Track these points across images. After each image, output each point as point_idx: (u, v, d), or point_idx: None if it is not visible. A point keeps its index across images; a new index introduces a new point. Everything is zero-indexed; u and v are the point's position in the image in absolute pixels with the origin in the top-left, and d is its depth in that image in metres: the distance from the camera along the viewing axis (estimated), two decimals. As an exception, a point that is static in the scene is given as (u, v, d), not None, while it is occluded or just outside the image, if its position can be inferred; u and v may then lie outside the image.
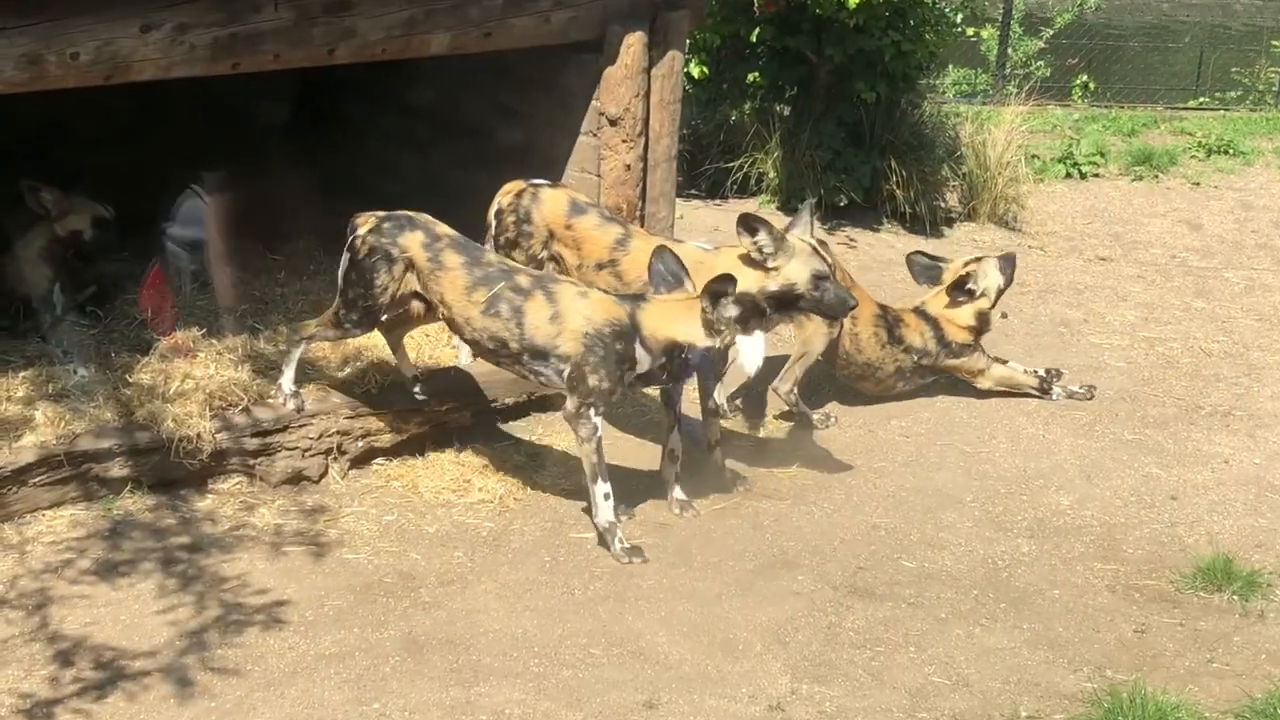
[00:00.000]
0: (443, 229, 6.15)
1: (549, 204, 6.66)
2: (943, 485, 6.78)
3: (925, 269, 7.89)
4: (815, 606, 5.68)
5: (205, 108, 8.08)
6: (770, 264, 6.09)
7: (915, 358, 7.59)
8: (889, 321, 7.57)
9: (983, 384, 7.71)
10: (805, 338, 7.25)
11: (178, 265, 7.55)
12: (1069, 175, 11.97)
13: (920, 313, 7.72)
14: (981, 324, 7.72)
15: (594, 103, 7.11)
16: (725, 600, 5.70)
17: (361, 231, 6.15)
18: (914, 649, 5.43)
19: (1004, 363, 7.80)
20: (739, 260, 6.13)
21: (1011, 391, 7.73)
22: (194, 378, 6.39)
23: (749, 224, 6.08)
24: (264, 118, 8.61)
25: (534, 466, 6.71)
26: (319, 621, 5.41)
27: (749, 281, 6.05)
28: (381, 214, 6.19)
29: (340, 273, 6.24)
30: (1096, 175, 11.97)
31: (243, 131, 8.41)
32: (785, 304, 6.18)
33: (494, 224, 6.74)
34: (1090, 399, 7.71)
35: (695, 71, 10.52)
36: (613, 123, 7.04)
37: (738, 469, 6.75)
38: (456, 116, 7.98)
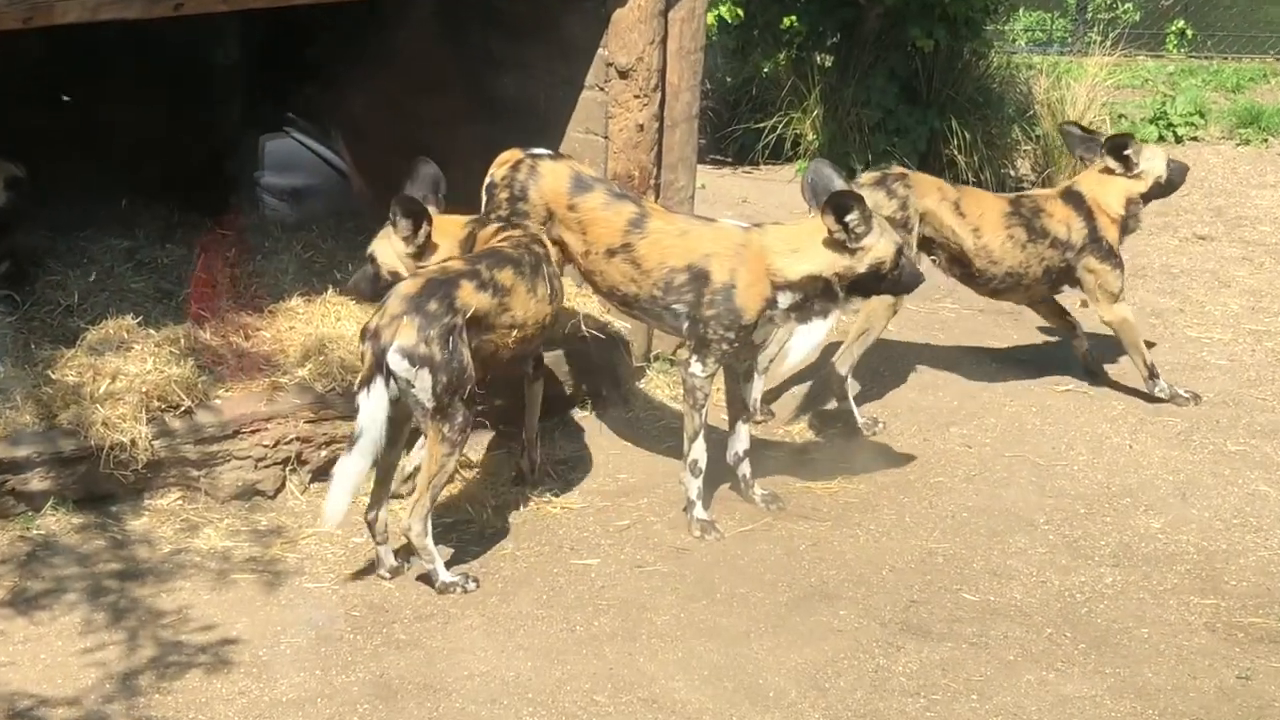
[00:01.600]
0: None
1: (549, 179, 6.60)
2: (1011, 505, 6.76)
3: (1082, 141, 7.88)
4: (860, 646, 5.65)
5: (146, 56, 8.11)
6: (857, 244, 6.10)
7: (1061, 252, 7.59)
8: (1025, 215, 7.56)
9: (1106, 314, 7.71)
10: (869, 313, 7.28)
11: (278, 219, 7.65)
12: (1162, 138, 11.95)
13: (1071, 195, 7.70)
14: (1129, 216, 7.72)
15: (601, 51, 7.11)
16: (753, 639, 5.68)
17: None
18: (976, 697, 5.41)
19: None
20: (815, 240, 6.15)
21: (1110, 356, 7.83)
22: (127, 374, 6.37)
23: (843, 203, 6.08)
24: (216, 68, 8.66)
25: (529, 481, 6.71)
26: (274, 662, 5.39)
27: (823, 263, 6.10)
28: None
29: None
30: (1194, 139, 11.95)
31: (191, 83, 8.44)
32: (865, 287, 6.21)
33: (485, 199, 6.72)
34: (1194, 405, 7.68)
35: (726, 13, 10.50)
36: (623, 75, 7.04)
37: (769, 484, 6.72)
38: (440, 68, 7.97)
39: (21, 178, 7.10)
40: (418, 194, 6.34)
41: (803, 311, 6.18)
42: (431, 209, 6.30)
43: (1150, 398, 7.68)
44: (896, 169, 7.54)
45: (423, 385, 5.70)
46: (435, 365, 5.69)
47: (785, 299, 6.14)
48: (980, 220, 7.40)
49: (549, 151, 6.79)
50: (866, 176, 7.38)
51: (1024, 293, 7.71)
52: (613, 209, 6.48)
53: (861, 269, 6.14)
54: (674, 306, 6.29)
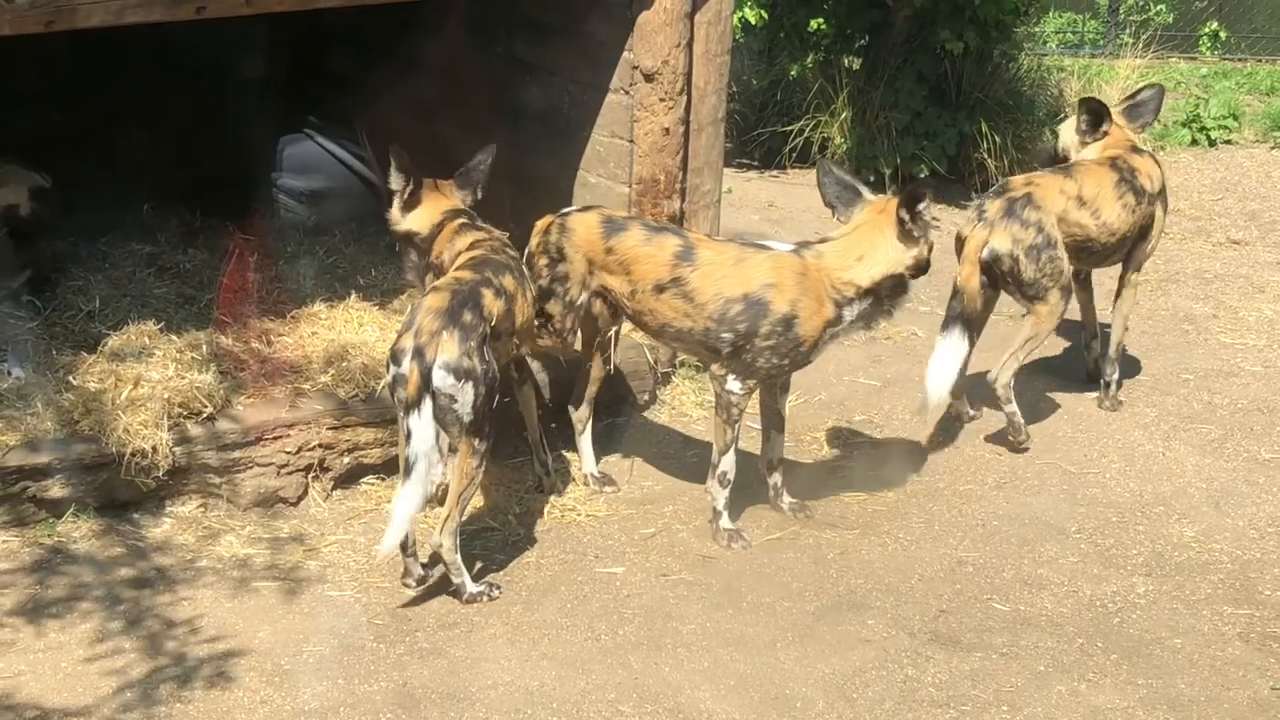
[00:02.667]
0: None
1: (580, 230, 6.48)
2: (1042, 513, 6.72)
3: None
4: (888, 657, 5.63)
5: (165, 60, 8.12)
6: (925, 232, 6.21)
7: (1149, 205, 7.55)
8: (1126, 177, 7.45)
9: (1148, 253, 7.82)
10: (1041, 316, 7.22)
11: (294, 221, 7.64)
12: (1195, 142, 11.90)
13: (1137, 150, 7.61)
14: None
15: (626, 54, 7.08)
16: (780, 649, 5.66)
17: None
18: (1007, 708, 5.38)
19: None
20: (878, 239, 6.18)
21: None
22: (148, 380, 6.37)
23: (918, 193, 6.17)
24: (240, 71, 8.67)
25: (544, 486, 6.70)
26: (296, 672, 5.38)
27: (896, 259, 6.20)
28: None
29: None
30: (1228, 142, 11.90)
31: (211, 87, 8.46)
32: (901, 285, 6.26)
33: (529, 272, 6.67)
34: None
35: (752, 16, 10.47)
36: (648, 78, 7.01)
37: (797, 493, 6.70)
38: (465, 72, 7.96)
39: (47, 187, 7.11)
40: (469, 170, 6.49)
41: (871, 317, 6.20)
42: (455, 190, 6.47)
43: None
44: (1018, 186, 7.25)
45: (465, 399, 5.67)
46: (476, 378, 5.67)
47: (853, 311, 6.14)
48: (1098, 200, 7.30)
49: (576, 207, 6.75)
50: (992, 207, 7.11)
51: (1122, 253, 7.67)
52: (654, 243, 6.34)
53: (927, 255, 6.18)
54: (724, 335, 6.20)
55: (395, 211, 6.41)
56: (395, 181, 6.36)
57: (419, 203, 6.37)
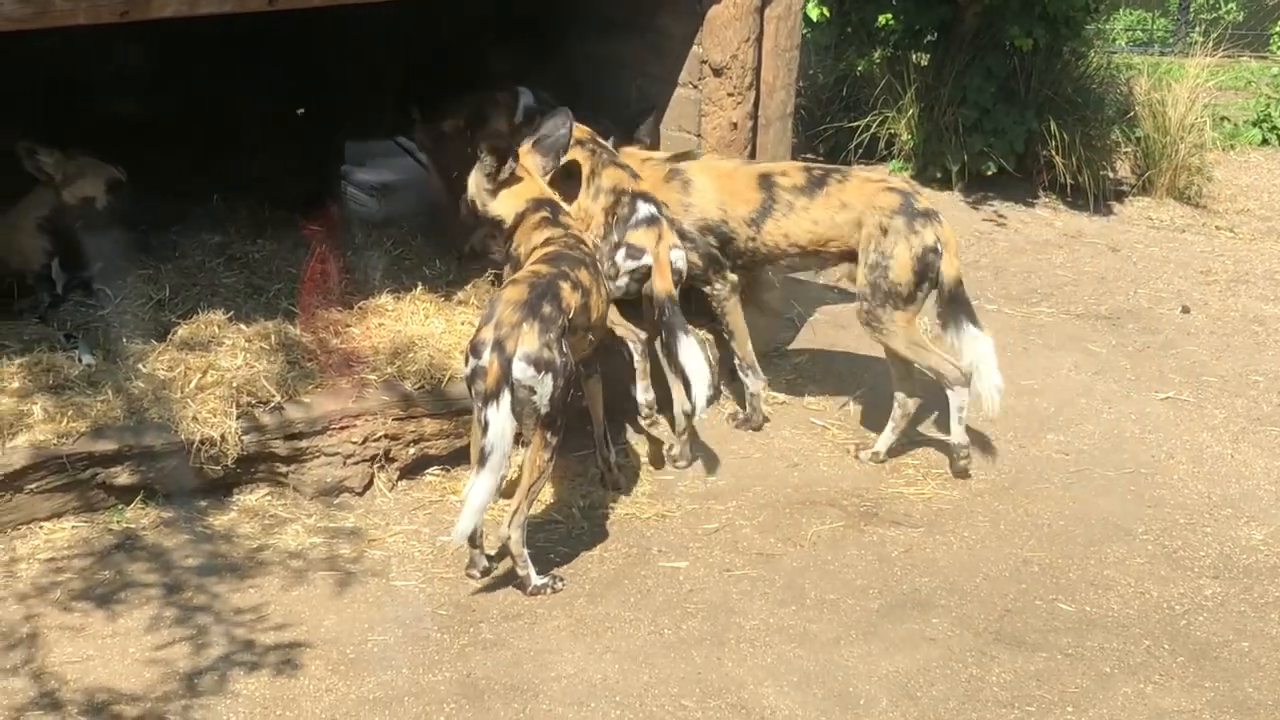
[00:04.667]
0: None
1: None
2: (1109, 513, 6.69)
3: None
4: (953, 655, 5.62)
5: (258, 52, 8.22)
6: None
7: None
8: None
9: None
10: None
11: (363, 214, 7.70)
12: (1266, 142, 11.82)
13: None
14: None
15: (695, 48, 7.10)
16: (844, 646, 5.65)
17: None
18: (1071, 709, 5.35)
19: None
20: None
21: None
22: (218, 369, 6.42)
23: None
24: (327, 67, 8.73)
25: (606, 481, 6.71)
26: (361, 660, 5.42)
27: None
28: None
29: None
30: (1300, 141, 11.80)
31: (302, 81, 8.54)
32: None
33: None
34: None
35: (813, 13, 10.47)
36: (717, 72, 7.02)
37: (859, 490, 6.68)
38: (533, 65, 7.98)
39: (122, 180, 7.18)
40: (543, 138, 6.54)
41: None
42: (534, 157, 6.51)
43: None
44: None
45: (544, 391, 5.70)
46: (555, 369, 5.70)
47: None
48: None
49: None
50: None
51: None
52: None
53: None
54: None
55: (484, 193, 6.41)
56: (486, 163, 6.35)
57: (507, 185, 6.39)
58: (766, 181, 6.84)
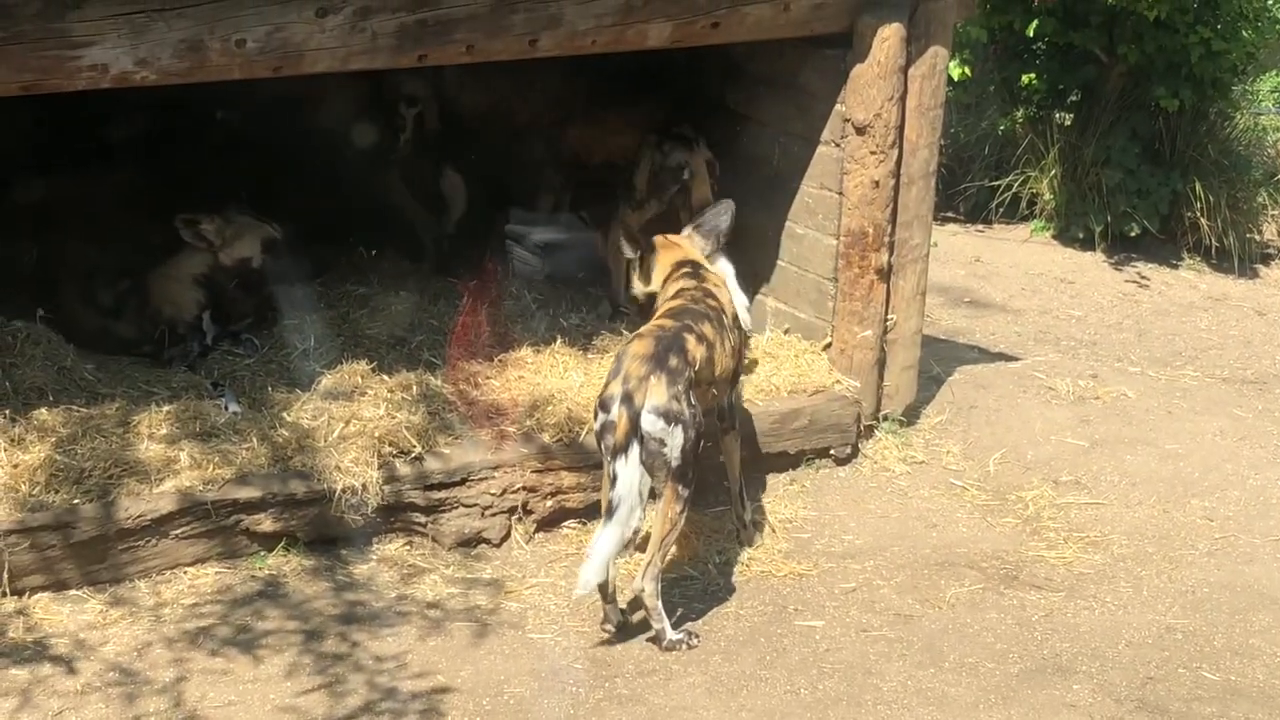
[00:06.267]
0: None
1: None
2: (1255, 581, 6.56)
3: None
4: (1094, 723, 5.54)
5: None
6: None
7: None
8: None
9: None
10: None
11: (526, 273, 7.81)
12: None
13: None
14: None
15: (838, 107, 7.09)
16: (983, 710, 5.58)
17: None
18: (1216, 782, 5.26)
19: None
20: None
21: None
22: (361, 419, 6.49)
23: None
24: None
25: (740, 539, 6.67)
26: (498, 713, 5.43)
27: None
28: None
29: None
30: None
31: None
32: None
33: None
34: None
35: (956, 72, 10.45)
36: (860, 131, 7.00)
37: (999, 553, 6.60)
38: (671, 119, 8.02)
39: (278, 239, 7.31)
40: (704, 222, 6.73)
41: None
42: (686, 242, 6.65)
43: None
44: None
45: (674, 444, 5.71)
46: (685, 422, 5.71)
47: None
48: None
49: None
50: None
51: None
52: None
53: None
54: None
55: (636, 282, 6.60)
56: (628, 251, 6.57)
57: (653, 266, 6.51)
58: None
